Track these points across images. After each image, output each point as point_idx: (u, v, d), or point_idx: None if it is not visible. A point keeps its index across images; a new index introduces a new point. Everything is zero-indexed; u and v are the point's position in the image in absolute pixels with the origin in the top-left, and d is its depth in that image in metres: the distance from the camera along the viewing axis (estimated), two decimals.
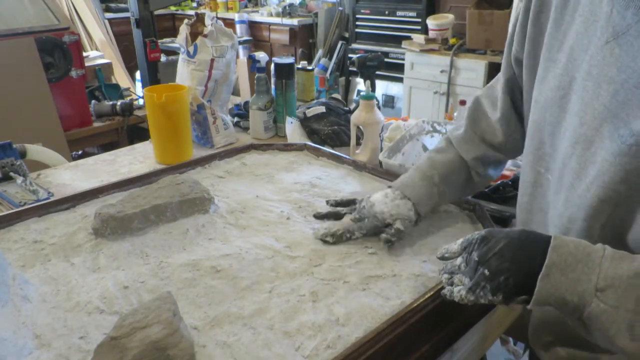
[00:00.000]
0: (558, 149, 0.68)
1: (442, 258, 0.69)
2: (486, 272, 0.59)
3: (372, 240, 0.87)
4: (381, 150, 1.31)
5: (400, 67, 3.73)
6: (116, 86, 2.63)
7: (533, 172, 0.75)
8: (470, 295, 0.61)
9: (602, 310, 0.53)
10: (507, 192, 1.12)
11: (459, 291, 0.63)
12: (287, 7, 4.55)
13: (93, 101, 2.34)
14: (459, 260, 0.66)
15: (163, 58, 2.51)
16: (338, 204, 0.96)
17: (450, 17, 3.58)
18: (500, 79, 0.87)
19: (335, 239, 0.86)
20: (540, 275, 0.55)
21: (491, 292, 0.59)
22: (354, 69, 2.49)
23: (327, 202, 0.98)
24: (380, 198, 0.88)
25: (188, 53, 1.46)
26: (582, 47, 0.63)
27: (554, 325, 0.71)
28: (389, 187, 0.90)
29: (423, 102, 3.58)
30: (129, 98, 2.50)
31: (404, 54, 3.64)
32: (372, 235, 0.87)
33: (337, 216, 0.93)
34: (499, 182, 1.16)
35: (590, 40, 0.62)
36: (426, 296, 0.71)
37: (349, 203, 0.95)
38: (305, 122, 1.54)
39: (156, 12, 2.34)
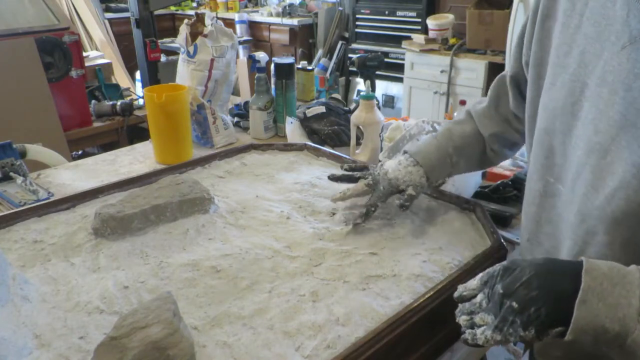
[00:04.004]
0: (569, 158, 0.66)
1: (461, 298, 0.61)
2: (514, 304, 0.53)
3: (373, 239, 0.87)
4: (381, 150, 1.31)
5: (400, 67, 3.72)
6: (116, 86, 2.63)
7: (542, 181, 0.72)
8: (497, 334, 0.54)
9: None
10: (507, 192, 1.12)
11: (482, 332, 0.55)
12: (287, 7, 4.55)
13: (93, 101, 2.34)
14: (479, 297, 0.58)
15: (163, 58, 2.51)
16: (352, 169, 0.99)
17: (450, 17, 3.58)
18: (506, 75, 0.87)
19: (363, 218, 0.90)
20: (577, 301, 0.50)
21: (522, 327, 0.52)
22: (354, 69, 2.49)
23: (342, 166, 1.00)
24: (394, 165, 0.92)
25: (188, 53, 1.46)
26: (595, 52, 0.61)
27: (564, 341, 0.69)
28: (404, 152, 0.93)
29: (423, 102, 3.58)
30: (129, 98, 2.50)
31: (404, 54, 3.63)
32: (388, 199, 0.92)
33: (351, 179, 0.96)
34: (498, 182, 1.16)
35: (604, 46, 0.60)
36: (426, 296, 0.71)
37: (363, 169, 0.98)
38: (305, 122, 1.54)
39: (156, 12, 2.34)
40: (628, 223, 0.57)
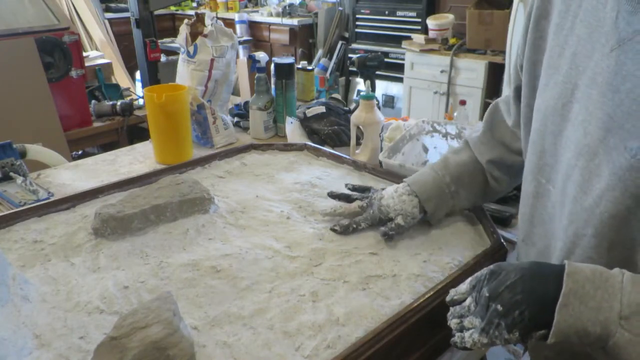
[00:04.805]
0: (560, 159, 0.66)
1: (452, 302, 0.62)
2: (499, 307, 0.55)
3: (373, 239, 0.87)
4: (381, 150, 1.31)
5: (400, 67, 3.73)
6: (116, 86, 2.63)
7: (534, 182, 0.72)
8: (484, 337, 0.55)
9: (628, 340, 0.49)
10: None
11: (470, 335, 0.57)
12: (287, 7, 4.55)
13: (93, 101, 2.34)
14: (468, 300, 0.60)
15: (163, 58, 2.51)
16: (355, 189, 0.99)
17: (450, 17, 3.58)
18: (510, 90, 0.85)
19: (343, 229, 0.88)
20: (558, 304, 0.51)
21: (507, 329, 0.54)
22: (354, 69, 2.49)
23: (346, 185, 1.01)
24: (390, 192, 0.90)
25: (188, 53, 1.46)
26: (586, 53, 0.61)
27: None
28: (404, 180, 0.92)
29: (423, 102, 3.58)
30: (129, 98, 2.50)
31: (404, 54, 3.64)
32: (376, 226, 0.89)
33: (349, 199, 0.96)
34: None
35: (594, 47, 0.60)
36: (426, 296, 0.71)
37: (365, 190, 0.97)
38: (305, 122, 1.54)
39: (156, 12, 2.34)
40: (615, 226, 0.57)
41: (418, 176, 0.91)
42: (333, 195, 0.98)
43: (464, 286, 0.62)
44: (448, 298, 0.63)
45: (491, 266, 0.59)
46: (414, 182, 0.90)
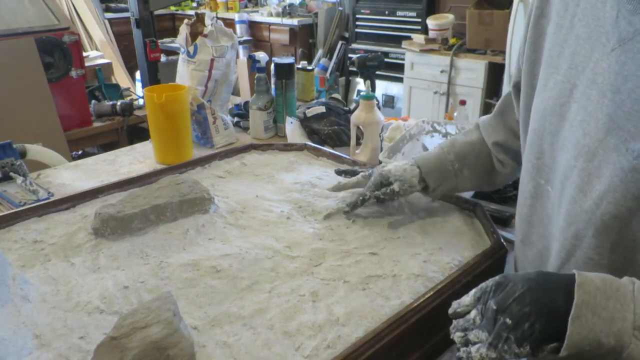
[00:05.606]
0: (558, 160, 0.65)
1: (455, 314, 0.59)
2: (508, 320, 0.52)
3: (372, 239, 0.87)
4: (381, 150, 1.31)
5: (400, 67, 3.73)
6: (116, 86, 2.63)
7: (532, 182, 0.72)
8: (492, 351, 0.53)
9: None
10: (507, 192, 1.12)
11: (477, 350, 0.54)
12: (287, 7, 4.55)
13: (93, 101, 2.34)
14: (472, 313, 0.57)
15: (163, 58, 2.51)
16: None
17: (450, 17, 3.58)
18: (511, 83, 0.85)
19: (351, 205, 0.93)
20: (571, 316, 0.50)
21: (516, 343, 0.52)
22: (354, 69, 2.49)
23: (352, 167, 1.07)
24: (396, 162, 0.94)
25: (188, 53, 1.46)
26: (585, 53, 0.60)
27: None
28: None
29: (423, 102, 3.58)
30: (129, 98, 2.50)
31: (404, 54, 3.64)
32: (378, 191, 0.92)
33: (355, 173, 1.00)
34: None
35: (594, 47, 0.59)
36: (426, 296, 0.71)
37: (369, 169, 1.02)
38: (305, 122, 1.54)
39: (156, 12, 2.34)
40: (616, 227, 0.56)
41: (424, 153, 0.95)
42: (339, 172, 1.02)
43: (467, 298, 0.59)
44: (451, 310, 0.60)
45: (496, 277, 0.57)
46: (419, 156, 0.94)
